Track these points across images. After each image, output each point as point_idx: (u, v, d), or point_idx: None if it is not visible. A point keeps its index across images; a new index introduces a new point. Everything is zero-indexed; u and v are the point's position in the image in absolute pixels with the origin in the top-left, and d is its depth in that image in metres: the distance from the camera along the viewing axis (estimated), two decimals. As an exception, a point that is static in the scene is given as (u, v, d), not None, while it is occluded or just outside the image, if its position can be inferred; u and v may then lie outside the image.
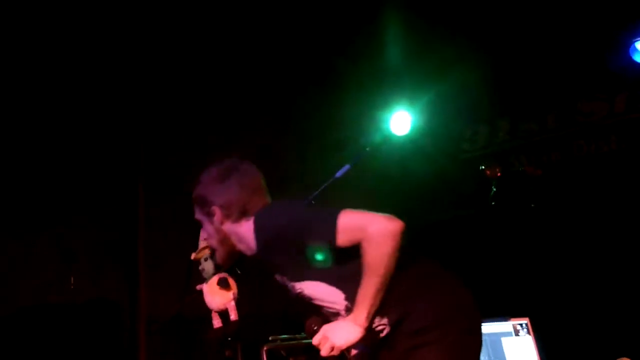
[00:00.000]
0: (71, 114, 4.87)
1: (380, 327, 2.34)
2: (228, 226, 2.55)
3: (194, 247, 2.72)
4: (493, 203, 4.71)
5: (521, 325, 4.04)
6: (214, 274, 2.67)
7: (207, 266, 2.70)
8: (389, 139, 4.98)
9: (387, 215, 2.25)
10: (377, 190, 5.61)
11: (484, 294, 2.54)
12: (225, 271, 2.67)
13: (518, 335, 4.01)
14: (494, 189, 4.71)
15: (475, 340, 2.34)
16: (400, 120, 4.97)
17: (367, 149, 3.93)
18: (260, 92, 5.52)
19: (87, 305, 4.63)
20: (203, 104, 5.33)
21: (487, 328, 3.94)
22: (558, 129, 5.65)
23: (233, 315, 2.67)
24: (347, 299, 2.36)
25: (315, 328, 2.37)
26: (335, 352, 2.31)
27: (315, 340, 2.33)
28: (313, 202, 3.21)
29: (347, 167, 3.41)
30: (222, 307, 2.66)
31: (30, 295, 4.56)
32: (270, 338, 4.20)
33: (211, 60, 5.24)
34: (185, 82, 5.22)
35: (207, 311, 2.73)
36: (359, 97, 5.63)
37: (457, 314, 2.30)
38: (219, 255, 2.63)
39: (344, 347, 2.30)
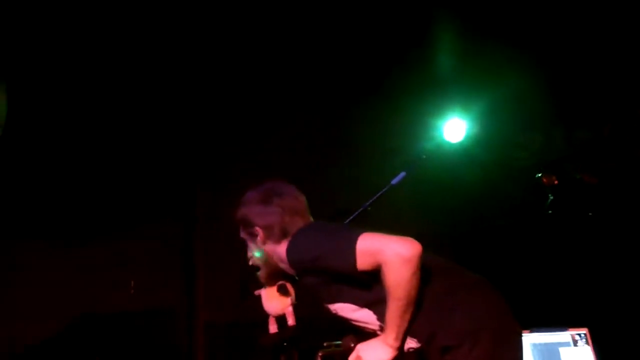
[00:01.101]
0: (134, 125, 4.98)
1: (411, 347, 2.36)
2: (270, 247, 2.64)
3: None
4: (550, 212, 4.66)
5: (580, 335, 3.97)
6: (272, 280, 2.73)
7: (265, 272, 2.75)
8: (442, 146, 4.96)
9: (405, 238, 2.27)
10: (430, 197, 5.59)
11: (542, 303, 2.51)
12: (284, 277, 2.72)
13: (576, 345, 3.95)
14: (551, 197, 4.65)
15: (509, 348, 2.33)
16: (454, 128, 4.95)
17: (424, 156, 3.92)
18: (315, 101, 5.55)
19: (146, 312, 4.72)
20: (259, 112, 5.39)
21: (545, 338, 3.89)
22: (614, 136, 5.55)
23: (291, 321, 2.72)
24: (378, 319, 2.40)
25: (352, 346, 2.43)
26: None
27: (350, 359, 2.38)
28: (369, 208, 3.23)
29: (402, 174, 3.42)
30: (280, 312, 2.72)
31: (91, 301, 4.66)
32: (325, 344, 4.21)
33: (266, 68, 5.30)
34: (241, 90, 5.28)
35: (264, 316, 2.77)
36: (413, 105, 5.62)
37: (483, 327, 2.29)
38: (263, 273, 2.71)
39: None
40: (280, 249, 2.58)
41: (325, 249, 2.39)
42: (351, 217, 3.50)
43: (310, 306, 2.68)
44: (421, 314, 2.30)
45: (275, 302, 2.72)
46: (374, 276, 2.29)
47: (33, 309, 4.65)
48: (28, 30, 4.42)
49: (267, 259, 2.66)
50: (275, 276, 2.71)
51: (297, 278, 2.71)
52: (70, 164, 4.85)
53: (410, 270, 2.21)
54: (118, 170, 4.97)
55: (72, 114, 4.88)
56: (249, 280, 2.84)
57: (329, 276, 2.41)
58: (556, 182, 4.63)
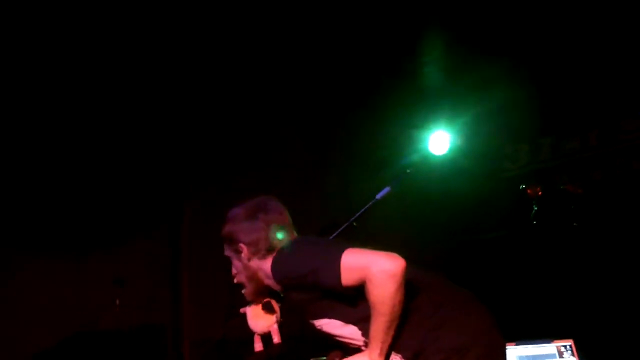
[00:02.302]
0: (122, 145, 4.98)
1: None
2: (255, 263, 2.62)
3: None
4: (534, 222, 4.67)
5: (565, 347, 3.98)
6: (257, 298, 2.73)
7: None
8: (427, 158, 4.98)
9: (389, 254, 2.26)
10: (417, 209, 5.60)
11: (528, 315, 2.52)
12: (269, 295, 2.72)
13: (562, 357, 3.96)
14: (535, 208, 4.67)
15: None
16: (439, 140, 4.97)
17: (408, 170, 3.93)
18: (302, 116, 5.57)
19: (133, 329, 4.71)
20: (246, 129, 5.40)
21: (531, 350, 3.90)
22: (600, 147, 5.58)
23: (276, 338, 2.71)
24: (363, 335, 2.40)
25: None
26: None
27: None
28: (355, 224, 3.24)
29: (387, 189, 3.43)
30: (265, 330, 2.71)
31: (78, 318, 4.65)
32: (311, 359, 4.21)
33: (254, 84, 5.31)
34: (228, 107, 5.29)
35: (250, 334, 2.77)
36: (398, 118, 5.65)
37: (471, 344, 2.29)
38: (248, 291, 2.68)
39: None
40: (266, 265, 2.57)
41: (310, 265, 2.37)
42: (337, 232, 3.50)
43: (295, 323, 2.69)
44: (407, 329, 2.30)
45: (260, 319, 2.71)
46: (360, 292, 2.29)
47: (20, 327, 4.63)
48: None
49: (253, 276, 2.64)
50: (262, 293, 2.69)
51: (282, 295, 2.72)
52: (58, 183, 4.84)
53: (394, 285, 2.21)
54: (105, 188, 4.96)
55: (62, 131, 4.88)
56: (235, 298, 2.84)
57: (314, 292, 2.40)
58: (540, 193, 4.65)
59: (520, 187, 4.75)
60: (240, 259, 2.65)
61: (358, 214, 3.38)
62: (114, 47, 4.71)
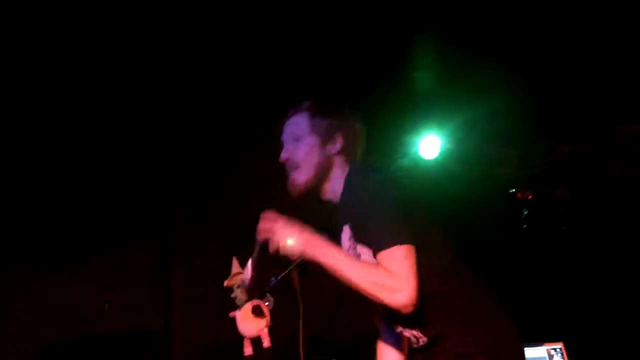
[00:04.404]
0: (111, 150, 4.97)
1: (413, 336, 2.35)
2: (336, 161, 2.52)
3: (228, 274, 2.77)
4: (524, 226, 4.70)
5: (555, 349, 4.00)
6: (246, 301, 2.72)
7: (240, 293, 2.74)
8: (418, 163, 5.00)
9: (414, 288, 2.15)
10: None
11: (517, 318, 2.52)
12: (257, 298, 2.71)
13: (552, 360, 3.98)
14: (525, 212, 4.69)
15: None
16: (430, 145, 4.99)
17: (398, 174, 3.95)
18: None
19: (124, 334, 4.70)
20: (236, 135, 5.40)
21: (521, 353, 3.91)
22: (591, 151, 5.61)
23: (266, 343, 2.71)
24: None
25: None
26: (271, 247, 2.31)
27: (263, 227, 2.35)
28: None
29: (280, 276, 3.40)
30: (255, 334, 2.70)
31: (68, 324, 4.64)
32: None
33: (241, 90, 5.31)
34: (217, 113, 5.29)
35: (241, 339, 2.76)
36: (388, 122, 5.66)
37: (496, 350, 2.26)
38: (301, 177, 2.54)
39: (281, 248, 2.28)
40: (342, 173, 2.48)
41: (380, 217, 2.25)
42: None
43: (286, 326, 2.68)
44: (436, 311, 2.26)
45: (250, 324, 2.70)
46: None
47: (11, 333, 4.62)
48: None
49: (323, 169, 2.50)
50: (311, 186, 2.53)
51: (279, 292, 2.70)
52: (47, 188, 4.83)
53: (389, 304, 2.16)
54: (95, 194, 4.95)
55: (49, 138, 4.87)
56: (225, 302, 2.83)
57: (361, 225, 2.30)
58: (530, 197, 4.68)
59: (510, 191, 4.77)
60: (321, 145, 2.52)
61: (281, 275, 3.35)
62: (92, 54, 4.69)
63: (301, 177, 2.51)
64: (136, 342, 4.75)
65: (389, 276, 2.15)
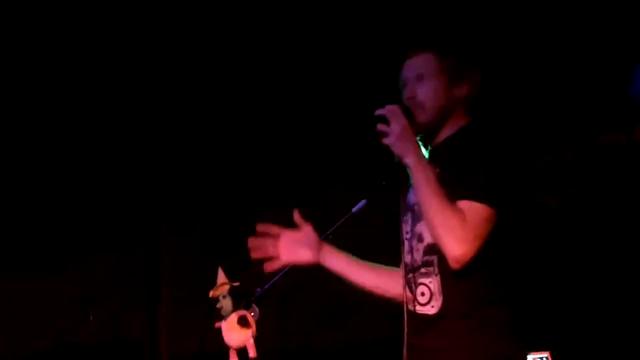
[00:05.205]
0: (96, 153, 4.94)
1: (428, 305, 2.29)
2: (459, 106, 2.40)
3: (213, 284, 2.77)
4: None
5: (541, 359, 4.00)
6: (232, 312, 2.71)
7: (225, 304, 2.74)
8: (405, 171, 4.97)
9: (474, 251, 2.12)
10: (395, 222, 5.59)
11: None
12: (243, 308, 2.71)
13: (539, 369, 3.97)
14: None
15: None
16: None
17: (384, 183, 3.93)
18: (280, 123, 5.55)
19: (109, 343, 4.67)
20: (224, 138, 5.37)
21: (508, 362, 3.90)
22: (576, 160, 5.63)
23: (252, 353, 2.71)
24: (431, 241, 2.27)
25: None
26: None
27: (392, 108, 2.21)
28: (330, 237, 3.22)
29: (362, 202, 3.42)
30: (241, 344, 2.70)
31: (52, 334, 4.60)
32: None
33: (231, 89, 5.29)
34: (206, 115, 5.27)
35: (227, 348, 2.75)
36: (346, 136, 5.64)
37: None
38: (425, 116, 2.34)
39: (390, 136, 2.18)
40: (460, 122, 2.38)
41: (491, 169, 2.17)
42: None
43: (272, 335, 2.67)
44: (461, 286, 2.20)
45: (236, 334, 2.70)
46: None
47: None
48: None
49: (447, 110, 2.37)
50: (432, 124, 2.37)
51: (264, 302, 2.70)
52: (29, 191, 4.79)
53: (444, 247, 2.12)
54: (79, 198, 4.92)
55: (31, 140, 4.83)
56: (212, 312, 2.82)
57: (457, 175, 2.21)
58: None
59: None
60: (447, 88, 2.37)
61: (333, 227, 3.37)
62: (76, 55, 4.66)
63: (423, 118, 2.33)
64: (120, 352, 4.72)
65: (462, 225, 2.08)
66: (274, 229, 2.65)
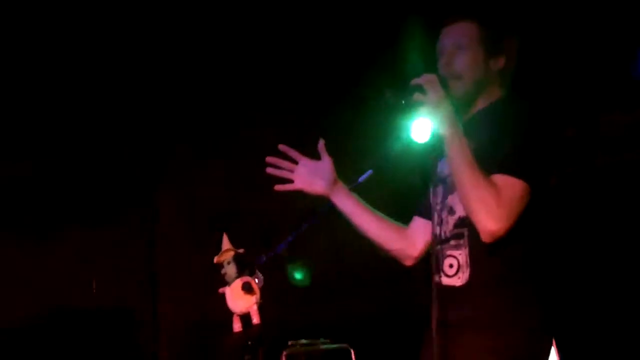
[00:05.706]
0: (94, 123, 4.92)
1: (455, 277, 2.26)
2: (493, 82, 2.38)
3: (217, 249, 2.75)
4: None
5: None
6: (236, 278, 2.71)
7: (230, 270, 2.73)
8: (410, 146, 4.96)
9: (507, 228, 2.08)
10: (399, 196, 5.59)
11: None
12: (247, 275, 2.70)
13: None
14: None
15: None
16: (421, 127, 4.96)
17: (391, 155, 3.92)
18: (281, 103, 5.53)
19: (108, 310, 4.67)
20: (223, 112, 5.35)
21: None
22: (578, 140, 5.61)
23: (255, 319, 2.70)
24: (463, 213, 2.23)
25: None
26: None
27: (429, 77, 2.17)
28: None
29: (369, 172, 3.41)
30: (244, 310, 2.69)
31: (51, 299, 4.60)
32: (289, 343, 4.20)
33: (232, 70, 5.27)
34: (205, 90, 5.25)
35: (228, 315, 2.75)
36: (379, 104, 5.63)
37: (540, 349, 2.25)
38: (462, 86, 2.32)
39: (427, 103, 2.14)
40: (494, 95, 2.36)
41: (529, 144, 2.14)
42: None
43: (276, 303, 2.67)
44: (492, 263, 2.18)
45: (240, 300, 2.69)
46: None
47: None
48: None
49: (483, 81, 2.34)
50: (474, 95, 2.36)
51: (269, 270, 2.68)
52: (30, 160, 4.77)
53: (478, 222, 2.08)
54: (78, 167, 4.90)
55: (29, 111, 4.81)
56: (214, 277, 2.81)
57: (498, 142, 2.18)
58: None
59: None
60: (485, 60, 2.35)
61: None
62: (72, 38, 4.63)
63: (460, 89, 2.30)
64: (120, 317, 4.73)
65: (497, 201, 2.04)
66: (294, 153, 2.64)
